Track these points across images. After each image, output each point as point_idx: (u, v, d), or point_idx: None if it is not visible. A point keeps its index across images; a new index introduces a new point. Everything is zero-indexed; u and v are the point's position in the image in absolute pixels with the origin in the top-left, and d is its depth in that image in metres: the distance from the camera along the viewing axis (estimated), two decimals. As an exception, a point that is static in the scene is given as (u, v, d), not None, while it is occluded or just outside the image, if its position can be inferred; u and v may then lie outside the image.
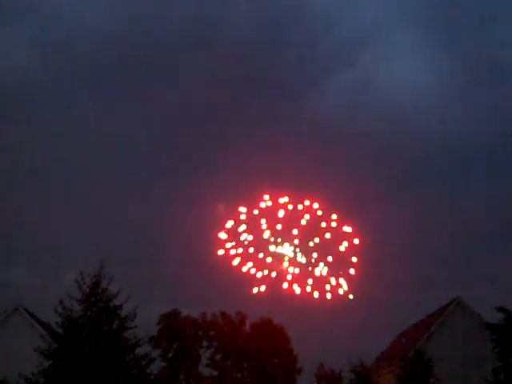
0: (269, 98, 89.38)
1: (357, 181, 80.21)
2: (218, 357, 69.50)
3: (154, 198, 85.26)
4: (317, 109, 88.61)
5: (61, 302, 24.08)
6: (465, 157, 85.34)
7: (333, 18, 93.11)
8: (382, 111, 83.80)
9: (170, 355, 67.89)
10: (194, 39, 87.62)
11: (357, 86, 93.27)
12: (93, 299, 24.36)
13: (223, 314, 70.90)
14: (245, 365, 69.41)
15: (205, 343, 70.55)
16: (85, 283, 24.43)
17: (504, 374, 28.15)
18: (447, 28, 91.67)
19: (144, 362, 25.20)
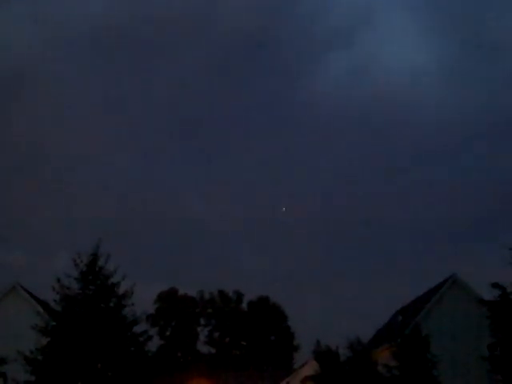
0: (266, 76, 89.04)
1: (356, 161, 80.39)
2: (215, 335, 70.00)
3: (152, 175, 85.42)
4: (315, 88, 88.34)
5: (58, 280, 24.07)
6: (464, 137, 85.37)
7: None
8: (380, 91, 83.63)
9: (167, 333, 68.36)
10: (192, 14, 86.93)
11: (355, 66, 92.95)
12: (90, 277, 24.36)
13: (221, 293, 71.25)
14: (242, 342, 69.93)
15: (202, 321, 71.04)
16: (82, 261, 24.41)
17: (500, 350, 28.31)
18: (446, 8, 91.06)
19: (142, 340, 25.28)
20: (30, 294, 35.04)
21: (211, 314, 70.83)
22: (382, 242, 77.89)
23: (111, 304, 24.49)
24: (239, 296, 71.61)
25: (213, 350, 69.05)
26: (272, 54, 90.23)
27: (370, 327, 46.29)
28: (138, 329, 25.12)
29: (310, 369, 42.26)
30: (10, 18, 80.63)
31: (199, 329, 70.85)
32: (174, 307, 68.13)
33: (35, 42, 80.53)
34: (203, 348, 69.71)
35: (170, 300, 68.76)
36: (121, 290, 24.63)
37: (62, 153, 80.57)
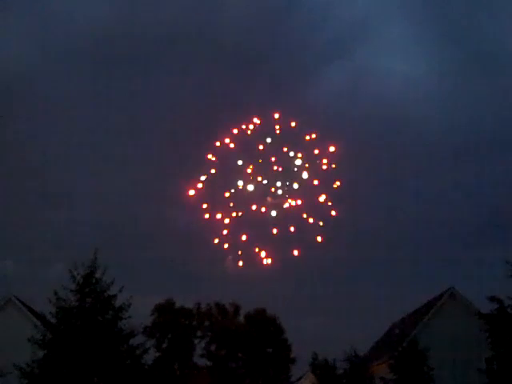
0: (264, 86, 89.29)
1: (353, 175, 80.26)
2: (212, 347, 69.69)
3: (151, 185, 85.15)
4: (313, 98, 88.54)
5: (55, 293, 24.01)
6: (464, 148, 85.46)
7: (330, 7, 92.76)
8: (378, 102, 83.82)
9: (164, 345, 68.03)
10: (189, 25, 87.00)
11: (353, 77, 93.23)
12: (86, 289, 24.31)
13: (217, 305, 71.08)
14: (239, 355, 69.64)
15: (199, 333, 70.74)
16: (78, 273, 24.37)
17: (497, 364, 28.27)
18: (444, 17, 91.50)
19: (138, 352, 25.22)
20: (26, 306, 34.91)
21: (208, 326, 70.62)
22: (380, 253, 77.64)
23: (108, 316, 24.44)
24: (236, 308, 71.46)
25: (209, 363, 68.77)
26: (271, 66, 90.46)
27: (367, 340, 46.27)
28: (134, 341, 25.11)
29: (308, 381, 42.22)
30: (8, 21, 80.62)
31: (196, 341, 70.59)
32: (170, 319, 67.88)
33: (34, 48, 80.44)
34: (200, 360, 69.46)
35: (166, 312, 68.53)
36: (118, 303, 24.61)
37: (60, 160, 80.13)
